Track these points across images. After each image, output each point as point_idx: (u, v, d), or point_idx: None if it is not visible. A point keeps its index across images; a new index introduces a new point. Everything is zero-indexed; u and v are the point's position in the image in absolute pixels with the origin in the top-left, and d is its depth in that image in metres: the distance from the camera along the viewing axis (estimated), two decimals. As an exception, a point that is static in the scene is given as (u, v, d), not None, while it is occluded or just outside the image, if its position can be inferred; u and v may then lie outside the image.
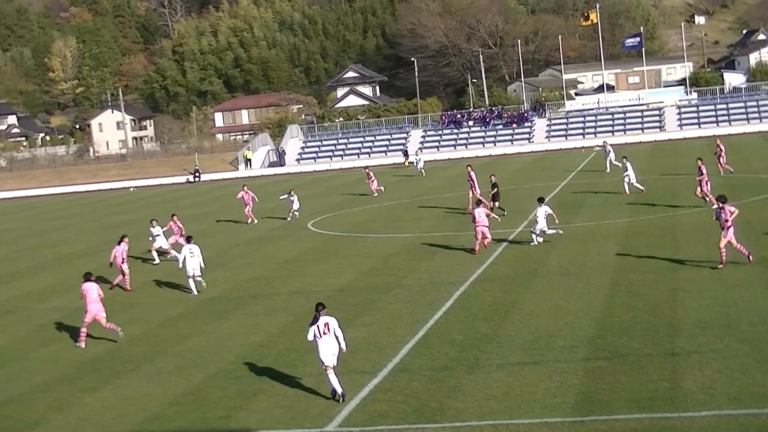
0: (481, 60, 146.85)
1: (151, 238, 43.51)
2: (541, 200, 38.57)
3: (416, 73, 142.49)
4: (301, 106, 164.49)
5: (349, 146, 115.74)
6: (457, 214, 48.83)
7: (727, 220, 29.97)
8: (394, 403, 20.27)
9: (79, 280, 39.24)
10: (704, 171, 44.53)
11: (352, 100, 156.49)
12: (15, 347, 29.17)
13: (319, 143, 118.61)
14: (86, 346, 28.16)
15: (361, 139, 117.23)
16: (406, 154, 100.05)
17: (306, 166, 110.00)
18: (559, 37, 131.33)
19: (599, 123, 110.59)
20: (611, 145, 70.52)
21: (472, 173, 50.37)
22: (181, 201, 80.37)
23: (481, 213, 37.54)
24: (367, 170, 69.47)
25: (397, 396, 20.67)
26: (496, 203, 46.17)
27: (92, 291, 28.63)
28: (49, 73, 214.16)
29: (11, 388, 24.47)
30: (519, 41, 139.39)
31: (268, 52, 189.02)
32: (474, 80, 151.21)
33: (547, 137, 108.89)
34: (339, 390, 20.77)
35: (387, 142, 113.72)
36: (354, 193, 68.91)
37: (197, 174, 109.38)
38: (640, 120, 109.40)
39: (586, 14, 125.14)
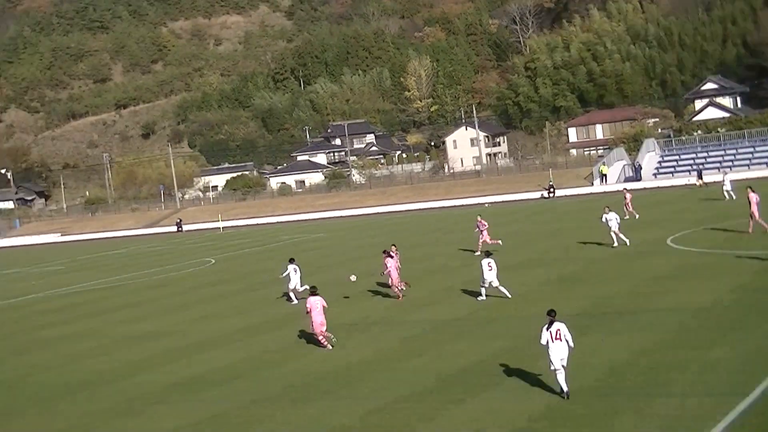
0: None
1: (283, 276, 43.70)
2: None
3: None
4: (657, 119, 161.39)
5: (709, 160, 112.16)
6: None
7: None
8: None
9: (439, 294, 40.62)
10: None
11: (712, 113, 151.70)
12: (382, 358, 29.90)
13: (676, 157, 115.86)
14: (450, 357, 28.61)
15: (722, 153, 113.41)
16: (700, 174, 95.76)
17: (663, 180, 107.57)
18: None
19: None
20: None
21: None
22: (536, 216, 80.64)
23: None
24: (625, 191, 69.67)
25: None
26: None
27: (317, 304, 31.99)
28: (405, 92, 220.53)
29: (380, 397, 25.06)
30: None
31: (621, 65, 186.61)
32: None
33: None
34: (565, 389, 22.85)
35: (750, 156, 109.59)
36: (714, 209, 66.78)
37: (552, 189, 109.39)
38: None
39: None
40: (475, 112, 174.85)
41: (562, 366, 22.90)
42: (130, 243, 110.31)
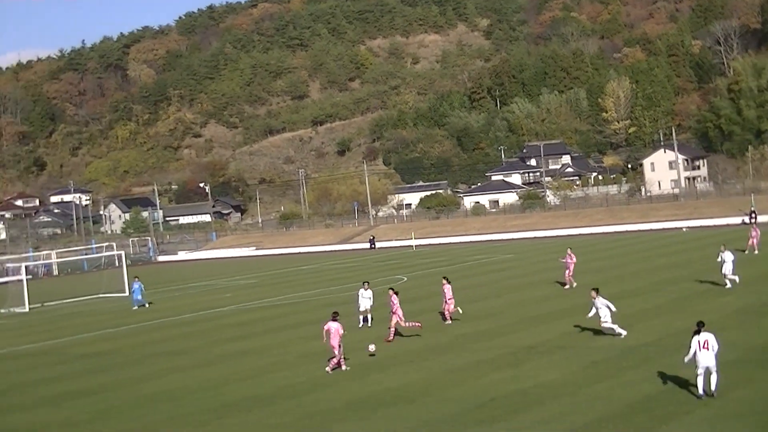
0: None
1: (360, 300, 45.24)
2: None
3: None
4: None
5: None
6: None
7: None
8: None
9: (627, 319, 39.60)
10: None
11: None
12: (565, 382, 29.31)
13: None
14: (636, 384, 27.87)
15: None
16: None
17: None
18: None
19: None
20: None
21: None
22: (734, 243, 78.06)
23: None
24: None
25: None
26: None
27: (333, 329, 33.90)
28: (603, 113, 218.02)
29: (562, 422, 24.54)
30: None
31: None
32: None
33: None
34: (712, 389, 25.25)
35: None
36: None
37: (753, 215, 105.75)
38: None
39: None
40: (674, 134, 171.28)
41: (708, 371, 25.28)
42: (322, 259, 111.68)
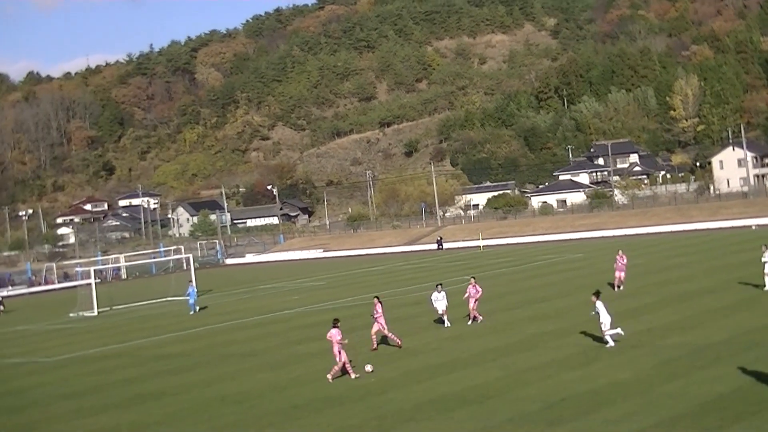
0: None
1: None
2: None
3: None
4: None
5: None
6: None
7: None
8: None
9: (697, 318, 39.32)
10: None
11: None
12: (639, 381, 29.11)
13: None
14: (708, 383, 27.65)
15: None
16: None
17: None
18: None
19: None
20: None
21: None
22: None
23: None
24: None
25: None
26: None
27: (336, 335, 34.01)
28: (671, 112, 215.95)
29: (634, 421, 24.38)
30: None
31: None
32: None
33: None
34: None
35: None
36: None
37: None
38: None
39: None
40: (743, 132, 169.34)
41: None
42: (390, 260, 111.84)
